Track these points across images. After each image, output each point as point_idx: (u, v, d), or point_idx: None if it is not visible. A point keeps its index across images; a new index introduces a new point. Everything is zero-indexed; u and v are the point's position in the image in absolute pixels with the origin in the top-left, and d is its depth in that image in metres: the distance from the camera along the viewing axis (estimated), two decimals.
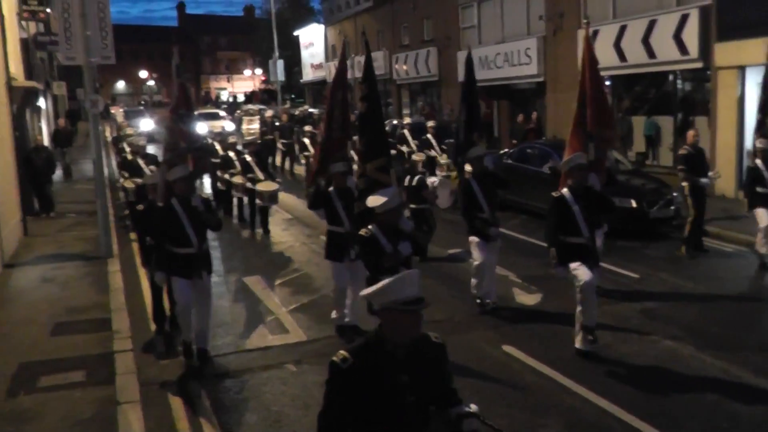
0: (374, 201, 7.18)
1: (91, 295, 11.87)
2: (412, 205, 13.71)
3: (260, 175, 16.37)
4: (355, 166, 11.17)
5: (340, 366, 3.80)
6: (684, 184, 13.34)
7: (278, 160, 27.72)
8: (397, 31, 39.59)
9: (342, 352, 3.86)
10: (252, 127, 28.28)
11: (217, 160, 18.65)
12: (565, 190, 8.63)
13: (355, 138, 11.02)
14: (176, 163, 9.24)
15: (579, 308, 8.69)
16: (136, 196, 13.47)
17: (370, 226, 7.20)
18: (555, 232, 8.61)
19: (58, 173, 24.83)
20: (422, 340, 4.01)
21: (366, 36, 10.82)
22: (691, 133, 13.71)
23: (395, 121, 27.46)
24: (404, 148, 20.26)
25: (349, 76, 40.21)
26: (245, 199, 17.68)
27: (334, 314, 9.90)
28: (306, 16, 71.05)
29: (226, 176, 17.40)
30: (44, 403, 7.88)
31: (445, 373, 4.15)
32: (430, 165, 18.45)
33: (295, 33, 61.50)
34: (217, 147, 19.33)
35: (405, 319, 3.81)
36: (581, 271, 8.54)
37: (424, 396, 3.95)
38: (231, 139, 18.54)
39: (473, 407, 4.09)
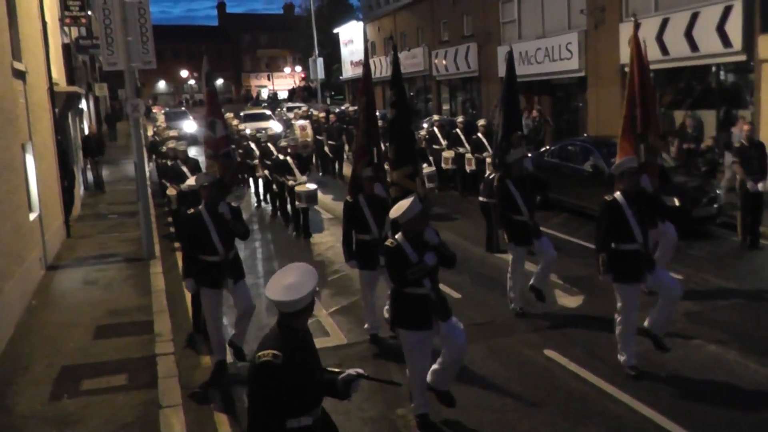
0: (395, 211, 7.07)
1: (133, 297, 11.99)
2: (482, 198, 13.70)
3: (300, 177, 16.34)
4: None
5: (276, 363, 4.21)
6: (737, 176, 13.28)
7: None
8: (437, 26, 39.42)
9: (269, 351, 4.26)
10: (307, 135, 26.99)
11: (268, 162, 18.52)
12: (617, 194, 8.33)
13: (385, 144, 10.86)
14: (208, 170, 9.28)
15: (617, 333, 8.46)
16: (178, 203, 13.40)
17: (396, 236, 7.05)
18: (606, 237, 8.30)
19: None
20: None
21: (394, 40, 10.71)
22: (746, 127, 13.56)
23: (435, 117, 26.61)
24: (461, 150, 19.86)
25: (388, 73, 39.99)
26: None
27: (366, 326, 9.89)
28: (345, 13, 71.17)
29: (283, 181, 17.07)
30: (87, 407, 7.98)
31: None
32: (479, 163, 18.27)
33: (335, 30, 61.57)
34: (272, 148, 19.03)
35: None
36: (626, 306, 8.27)
37: (322, 369, 4.62)
38: (282, 142, 17.92)
39: (357, 371, 4.66)
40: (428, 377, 7.34)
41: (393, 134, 8.90)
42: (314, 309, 4.67)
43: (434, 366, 7.37)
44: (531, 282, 10.53)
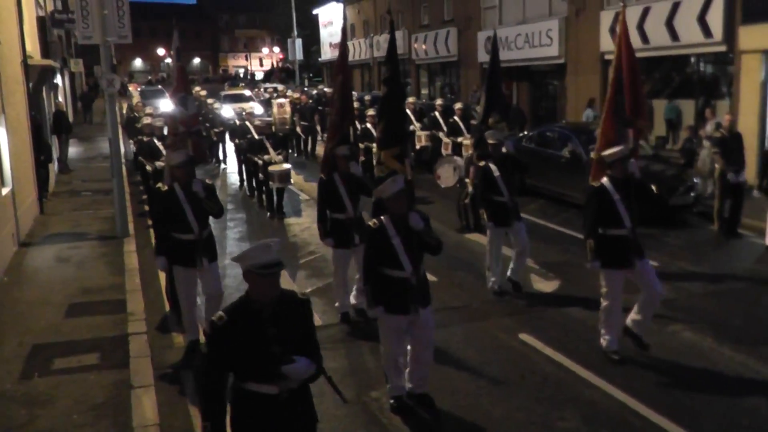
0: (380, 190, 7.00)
1: (106, 275, 11.84)
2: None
3: (274, 155, 16.20)
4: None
5: (217, 324, 4.46)
6: (716, 166, 13.36)
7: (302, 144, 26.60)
8: (417, 10, 39.21)
9: (220, 312, 4.54)
10: (285, 111, 26.81)
11: (241, 141, 18.25)
12: (605, 180, 8.29)
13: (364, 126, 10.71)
14: (179, 147, 9.12)
15: (601, 321, 8.43)
16: (154, 179, 13.17)
17: (382, 217, 6.93)
18: (594, 223, 8.25)
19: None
20: (288, 298, 4.62)
21: (391, 16, 10.63)
22: (727, 117, 13.74)
23: (410, 100, 26.33)
24: (439, 134, 19.74)
25: (367, 56, 40.09)
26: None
27: (337, 304, 9.82)
28: None
29: (257, 160, 16.76)
30: (58, 386, 7.86)
31: (309, 326, 4.72)
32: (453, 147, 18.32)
33: (314, 11, 61.07)
34: (250, 127, 18.49)
35: (262, 281, 4.39)
36: (611, 292, 8.25)
37: (289, 346, 4.52)
38: (256, 121, 17.82)
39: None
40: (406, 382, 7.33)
41: (383, 112, 8.87)
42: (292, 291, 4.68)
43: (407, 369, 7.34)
44: (509, 274, 10.62)
